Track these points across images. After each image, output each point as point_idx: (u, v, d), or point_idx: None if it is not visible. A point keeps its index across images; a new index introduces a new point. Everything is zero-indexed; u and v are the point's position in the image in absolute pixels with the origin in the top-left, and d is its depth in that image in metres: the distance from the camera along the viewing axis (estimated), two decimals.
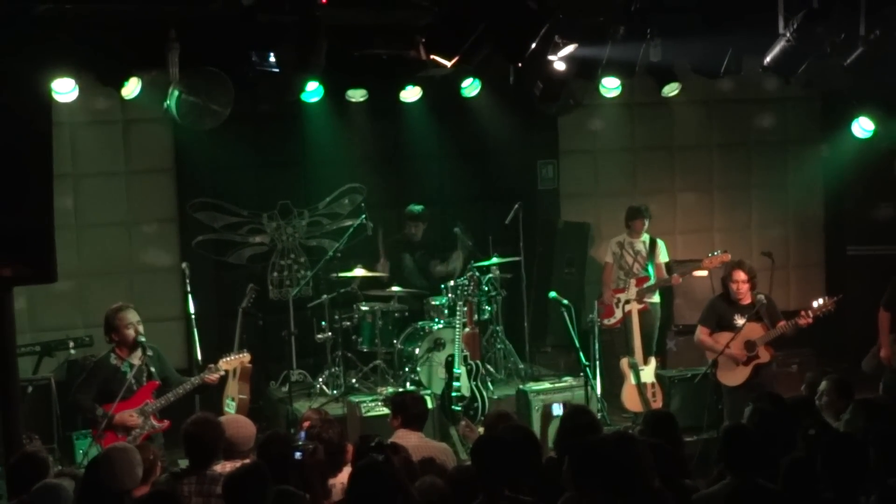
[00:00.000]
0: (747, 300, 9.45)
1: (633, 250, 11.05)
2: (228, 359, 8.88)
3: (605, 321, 10.72)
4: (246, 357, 9.17)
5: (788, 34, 8.14)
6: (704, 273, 11.06)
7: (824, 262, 13.18)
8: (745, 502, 5.08)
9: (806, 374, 8.31)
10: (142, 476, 6.20)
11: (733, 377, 9.49)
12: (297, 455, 6.26)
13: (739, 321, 9.38)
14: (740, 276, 9.46)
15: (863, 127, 11.06)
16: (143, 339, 8.41)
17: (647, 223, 11.08)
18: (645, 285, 10.82)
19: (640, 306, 10.67)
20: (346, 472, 6.62)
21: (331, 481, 6.64)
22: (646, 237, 11.09)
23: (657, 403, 9.96)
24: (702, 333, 9.65)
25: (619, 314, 10.64)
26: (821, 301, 9.38)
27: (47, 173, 7.17)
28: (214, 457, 6.65)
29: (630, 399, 10.05)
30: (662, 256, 11.10)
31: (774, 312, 9.55)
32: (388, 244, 11.52)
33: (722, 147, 12.97)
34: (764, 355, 9.45)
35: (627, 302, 10.56)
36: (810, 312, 9.31)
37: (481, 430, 8.07)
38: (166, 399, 8.41)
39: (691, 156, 12.88)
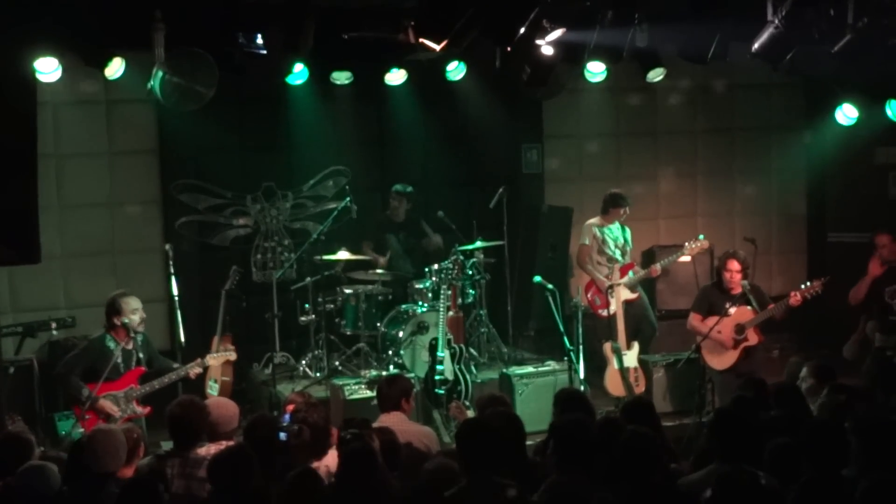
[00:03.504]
0: (738, 290, 9.63)
1: (611, 237, 10.95)
2: (215, 355, 9.16)
3: (601, 311, 10.52)
4: (232, 356, 9.35)
5: (777, 21, 8.16)
6: (688, 259, 11.06)
7: (806, 249, 13.22)
8: (735, 487, 5.10)
9: (789, 359, 8.37)
10: (120, 459, 6.19)
11: (721, 361, 9.66)
12: (282, 437, 6.28)
13: (731, 310, 9.57)
14: (734, 265, 9.69)
15: (846, 114, 11.05)
16: (139, 328, 8.69)
17: (623, 213, 10.86)
18: (630, 273, 10.73)
19: (634, 296, 10.68)
20: (331, 455, 6.63)
21: (315, 464, 6.64)
22: (616, 224, 11.00)
23: (640, 388, 9.98)
24: (693, 319, 9.88)
25: (614, 306, 10.43)
26: (809, 283, 9.58)
27: (31, 154, 7.14)
28: (198, 439, 6.65)
29: (613, 383, 10.04)
30: (630, 244, 11.10)
31: (762, 297, 9.76)
32: (372, 226, 11.48)
33: (706, 133, 12.97)
34: (752, 338, 9.65)
35: (611, 287, 10.50)
36: (798, 294, 9.50)
37: (471, 412, 8.09)
38: (151, 386, 8.65)
39: (675, 141, 12.89)
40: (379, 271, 10.97)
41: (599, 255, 10.85)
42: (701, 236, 10.50)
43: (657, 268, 10.71)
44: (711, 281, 10.28)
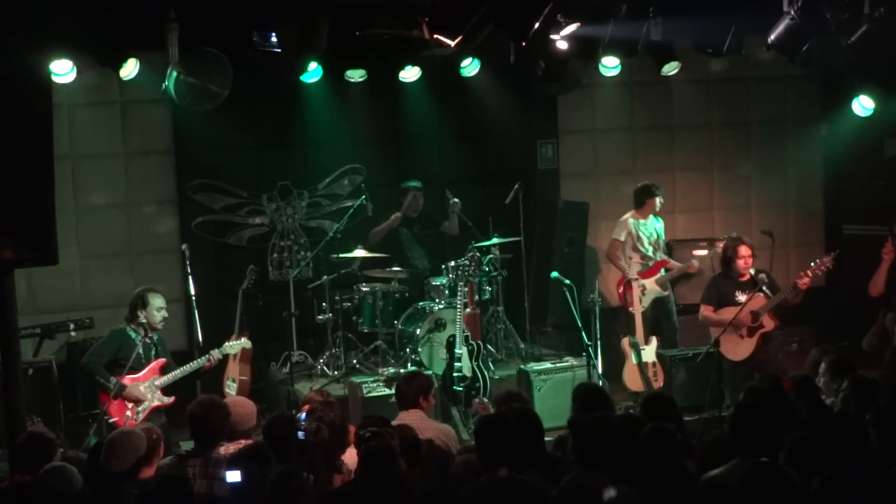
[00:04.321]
0: (748, 276, 9.57)
1: (646, 233, 10.92)
2: (232, 344, 9.37)
3: (631, 309, 10.44)
4: (248, 344, 9.52)
5: (793, 12, 8.13)
6: (705, 252, 11.04)
7: (823, 241, 13.16)
8: (762, 482, 5.06)
9: (810, 352, 8.31)
10: (137, 460, 6.20)
11: (738, 351, 9.61)
12: (301, 435, 6.27)
13: (741, 297, 9.53)
14: (746, 251, 9.66)
15: (863, 105, 11.00)
16: (161, 324, 9.00)
17: (659, 203, 10.87)
18: (662, 270, 10.72)
19: (666, 293, 10.69)
20: (349, 453, 6.63)
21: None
22: (651, 217, 10.97)
23: (658, 383, 9.95)
24: (706, 310, 9.81)
25: (646, 302, 10.47)
26: (818, 260, 9.56)
27: (48, 155, 7.13)
28: (219, 438, 6.65)
29: (631, 379, 10.02)
30: (663, 238, 11.07)
31: (775, 285, 9.69)
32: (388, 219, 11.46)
33: (721, 126, 12.92)
34: (768, 324, 9.59)
35: (629, 282, 10.47)
36: (808, 272, 9.48)
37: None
38: (173, 375, 8.87)
39: (691, 135, 12.83)
40: (396, 268, 10.89)
41: (633, 252, 10.81)
42: (734, 234, 10.40)
43: (695, 263, 10.71)
44: (718, 271, 10.19)
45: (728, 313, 9.53)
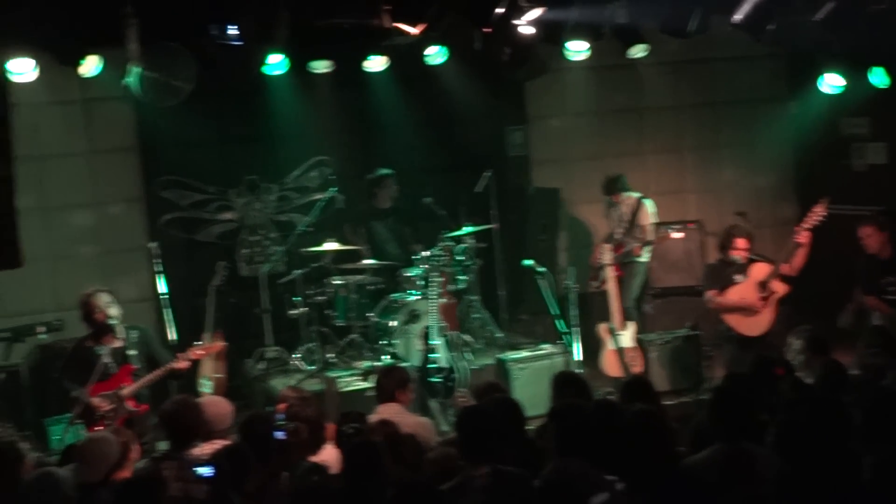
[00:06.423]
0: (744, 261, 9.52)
1: (616, 215, 10.91)
2: (201, 350, 8.74)
3: (593, 283, 10.49)
4: (219, 344, 9.18)
5: None
6: (681, 235, 11.00)
7: (797, 221, 13.12)
8: (737, 466, 5.02)
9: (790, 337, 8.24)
10: (112, 466, 6.05)
11: (758, 325, 9.45)
12: (280, 435, 6.20)
13: (739, 278, 9.45)
14: (742, 243, 9.53)
15: (830, 83, 10.98)
16: (115, 321, 8.34)
17: (623, 196, 10.87)
18: (624, 250, 10.69)
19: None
20: (327, 450, 6.55)
21: (310, 459, 6.56)
22: (632, 196, 10.90)
23: (637, 368, 9.88)
24: (712, 295, 9.57)
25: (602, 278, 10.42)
26: (811, 212, 9.41)
27: (7, 157, 7.03)
28: (194, 439, 6.54)
29: (610, 364, 9.96)
30: (650, 218, 10.91)
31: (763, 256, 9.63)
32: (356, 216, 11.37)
33: (691, 108, 12.88)
34: (780, 288, 9.46)
35: (601, 268, 10.40)
36: (805, 224, 9.33)
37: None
38: (141, 383, 8.32)
39: (661, 117, 12.79)
40: (368, 261, 10.80)
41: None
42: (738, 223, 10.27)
43: (638, 247, 10.69)
44: (716, 259, 10.08)
45: (733, 294, 9.41)
